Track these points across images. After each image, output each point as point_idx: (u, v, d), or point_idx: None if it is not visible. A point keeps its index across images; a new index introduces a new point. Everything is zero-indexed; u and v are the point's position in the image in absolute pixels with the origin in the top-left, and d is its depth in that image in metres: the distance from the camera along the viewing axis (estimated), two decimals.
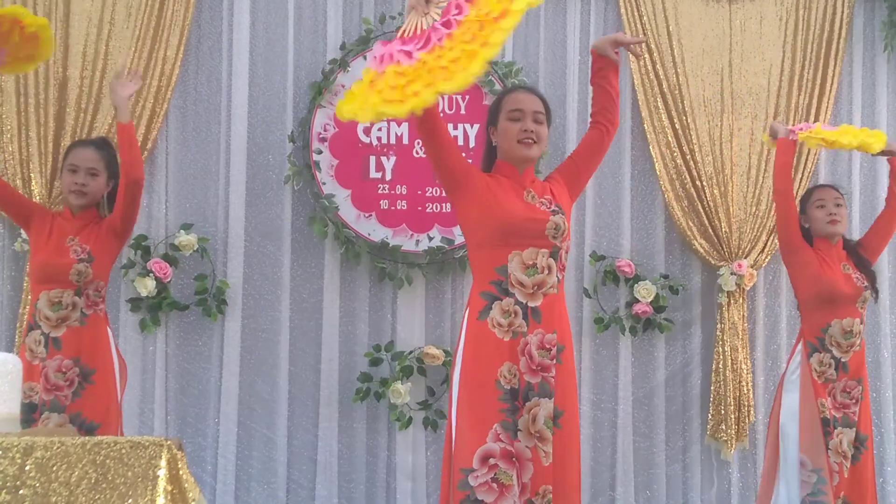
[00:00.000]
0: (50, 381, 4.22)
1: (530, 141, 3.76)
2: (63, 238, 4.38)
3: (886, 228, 5.04)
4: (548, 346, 3.63)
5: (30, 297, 4.64)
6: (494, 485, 3.50)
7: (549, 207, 3.74)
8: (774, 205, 5.09)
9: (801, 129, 4.93)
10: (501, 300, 3.64)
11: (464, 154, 4.10)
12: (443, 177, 3.90)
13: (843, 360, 4.81)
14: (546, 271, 3.67)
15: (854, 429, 4.76)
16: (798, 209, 4.98)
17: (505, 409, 3.55)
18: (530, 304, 3.64)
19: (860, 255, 4.91)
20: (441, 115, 3.97)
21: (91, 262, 4.36)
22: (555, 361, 3.64)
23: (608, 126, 4.02)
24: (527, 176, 3.82)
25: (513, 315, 3.62)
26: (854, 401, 4.80)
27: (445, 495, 3.65)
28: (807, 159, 5.96)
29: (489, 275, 3.68)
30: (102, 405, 4.29)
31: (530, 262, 3.64)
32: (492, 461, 3.51)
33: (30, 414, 4.08)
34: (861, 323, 4.84)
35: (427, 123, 3.69)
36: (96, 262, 4.37)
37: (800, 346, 4.87)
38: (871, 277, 4.88)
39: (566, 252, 3.80)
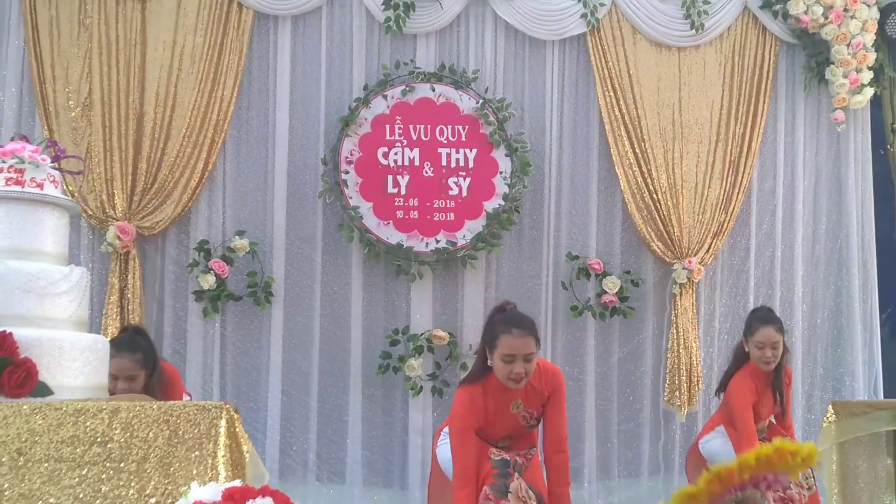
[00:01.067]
0: None
1: (518, 380, 3.47)
2: None
3: None
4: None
5: None
6: None
7: (528, 422, 3.67)
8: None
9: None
10: None
11: None
12: None
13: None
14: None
15: None
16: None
17: (496, 474, 3.50)
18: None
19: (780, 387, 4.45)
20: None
21: None
22: None
23: None
24: (517, 391, 3.59)
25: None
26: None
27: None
28: (738, 193, 5.98)
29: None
30: None
31: (503, 446, 3.66)
32: None
33: None
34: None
35: None
36: None
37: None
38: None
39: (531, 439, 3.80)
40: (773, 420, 4.53)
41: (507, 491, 3.41)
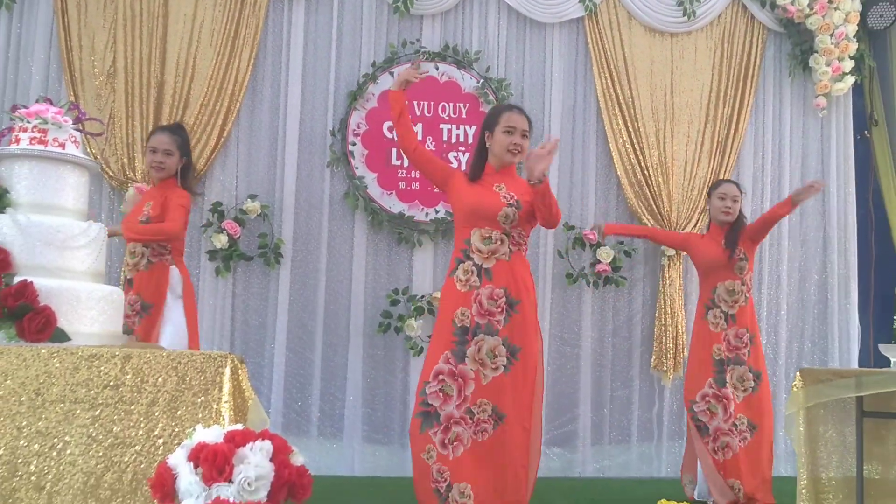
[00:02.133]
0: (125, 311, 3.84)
1: (516, 151, 3.82)
2: (143, 204, 4.32)
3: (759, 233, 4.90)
4: (495, 297, 3.70)
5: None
6: (441, 394, 3.63)
7: (509, 201, 3.77)
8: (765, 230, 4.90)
9: None
10: (464, 262, 3.75)
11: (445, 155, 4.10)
12: (431, 181, 4.16)
13: (730, 312, 4.78)
14: (498, 242, 3.74)
15: (745, 366, 4.71)
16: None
17: (455, 340, 3.67)
18: (484, 266, 3.73)
19: (734, 235, 4.80)
20: (418, 150, 3.98)
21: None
22: (504, 311, 3.70)
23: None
24: (505, 174, 3.89)
25: (470, 273, 3.72)
26: (744, 344, 4.76)
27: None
28: (725, 171, 5.97)
29: (460, 244, 3.81)
30: (149, 329, 4.16)
31: (486, 236, 3.74)
32: (440, 377, 3.64)
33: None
34: (742, 284, 4.78)
35: (411, 160, 4.02)
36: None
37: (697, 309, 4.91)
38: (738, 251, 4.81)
39: (521, 233, 3.82)
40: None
41: (465, 356, 3.64)
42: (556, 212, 3.72)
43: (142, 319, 4.13)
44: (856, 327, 6.20)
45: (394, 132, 5.54)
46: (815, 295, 6.18)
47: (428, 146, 5.61)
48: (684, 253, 5.80)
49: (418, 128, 5.63)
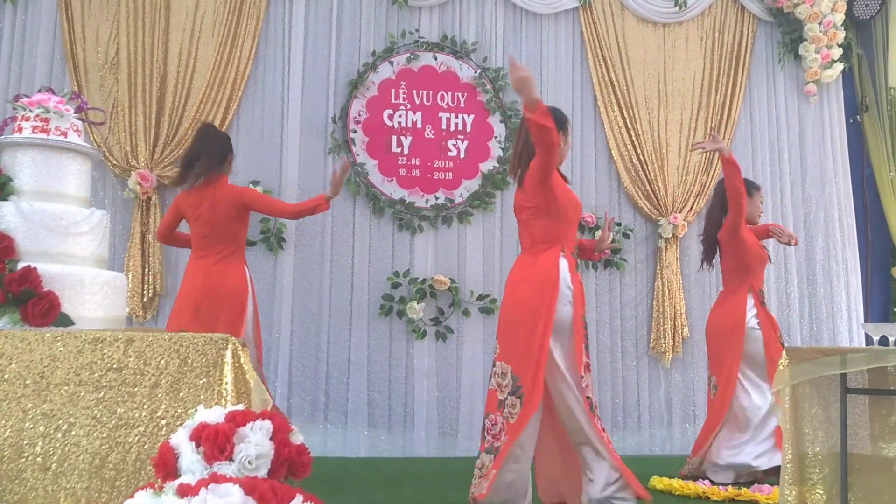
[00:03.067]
0: None
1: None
2: None
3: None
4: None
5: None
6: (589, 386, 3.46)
7: None
8: (735, 204, 4.46)
9: None
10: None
11: None
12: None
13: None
14: None
15: None
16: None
17: (586, 334, 3.53)
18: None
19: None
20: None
21: None
22: None
23: None
24: None
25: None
26: None
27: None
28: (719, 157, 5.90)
29: (573, 241, 3.66)
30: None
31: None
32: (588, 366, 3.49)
33: None
34: None
35: None
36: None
37: (751, 299, 4.56)
38: None
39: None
40: None
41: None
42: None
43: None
44: (860, 307, 6.19)
45: (394, 120, 5.55)
46: (821, 275, 6.14)
47: (427, 134, 5.59)
48: (681, 235, 5.79)
49: (418, 116, 5.60)
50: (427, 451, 5.37)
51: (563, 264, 3.47)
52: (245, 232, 4.25)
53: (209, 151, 4.12)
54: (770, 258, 4.78)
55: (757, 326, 4.49)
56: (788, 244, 4.75)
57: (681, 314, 5.79)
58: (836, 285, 6.15)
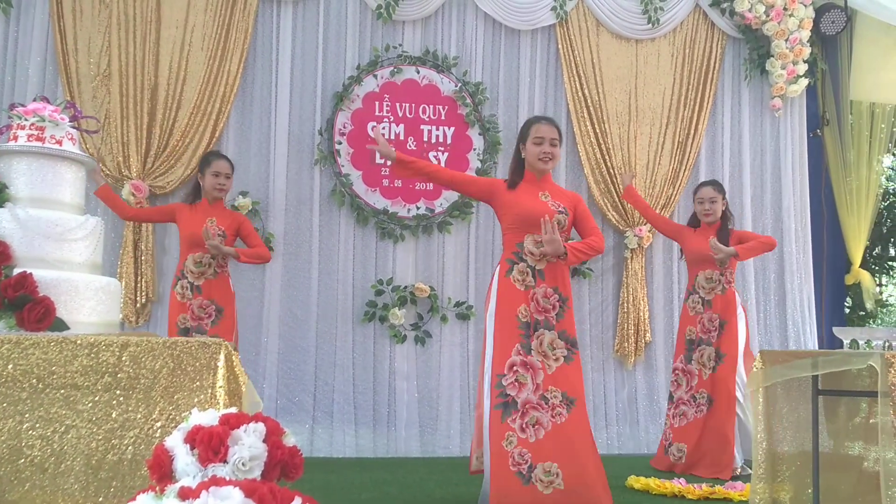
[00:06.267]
0: (195, 313, 4.51)
1: (547, 159, 3.81)
2: (206, 217, 4.56)
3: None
4: (548, 296, 3.71)
5: (179, 257, 4.69)
6: (517, 383, 3.59)
7: (558, 208, 3.78)
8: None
9: None
10: (518, 264, 3.71)
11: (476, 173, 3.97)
12: (476, 198, 4.10)
13: (707, 298, 4.92)
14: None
15: (712, 347, 4.85)
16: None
17: (522, 334, 3.64)
18: (537, 267, 3.71)
19: (724, 234, 4.94)
20: (459, 179, 4.06)
21: (224, 237, 4.57)
22: (557, 307, 3.71)
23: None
24: (544, 182, 3.87)
25: (526, 274, 3.70)
26: (714, 328, 4.89)
27: (481, 394, 3.72)
28: (685, 170, 5.97)
29: (511, 248, 3.76)
30: (228, 330, 4.55)
31: (538, 241, 3.69)
32: (515, 368, 3.60)
33: (185, 335, 4.29)
34: (721, 275, 4.90)
35: (452, 189, 4.04)
36: (227, 239, 4.60)
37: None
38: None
39: (566, 238, 3.80)
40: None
41: (531, 349, 3.64)
42: (596, 251, 3.81)
43: (219, 320, 4.54)
44: (813, 313, 6.23)
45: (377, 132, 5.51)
46: (775, 283, 6.20)
47: (409, 146, 5.56)
48: (646, 246, 5.83)
49: (401, 128, 5.58)
50: (408, 448, 5.36)
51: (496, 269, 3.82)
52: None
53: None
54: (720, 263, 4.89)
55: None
56: (722, 264, 4.91)
57: (643, 320, 5.81)
58: (791, 293, 6.19)
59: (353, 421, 5.36)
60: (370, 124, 5.47)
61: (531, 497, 3.46)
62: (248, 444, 2.10)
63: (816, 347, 6.08)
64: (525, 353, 3.62)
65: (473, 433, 3.89)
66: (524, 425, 3.54)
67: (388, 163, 3.82)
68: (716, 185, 5.09)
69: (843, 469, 3.26)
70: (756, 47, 6.18)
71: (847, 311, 6.75)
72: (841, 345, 3.64)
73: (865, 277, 6.45)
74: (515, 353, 3.61)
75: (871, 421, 3.14)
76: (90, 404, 2.47)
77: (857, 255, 6.43)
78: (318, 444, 5.23)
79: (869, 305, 6.49)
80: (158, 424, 2.47)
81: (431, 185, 5.53)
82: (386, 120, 5.56)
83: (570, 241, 3.74)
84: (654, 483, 4.19)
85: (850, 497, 3.22)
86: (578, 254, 3.70)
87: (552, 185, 3.93)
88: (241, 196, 5.31)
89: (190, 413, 2.21)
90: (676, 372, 4.97)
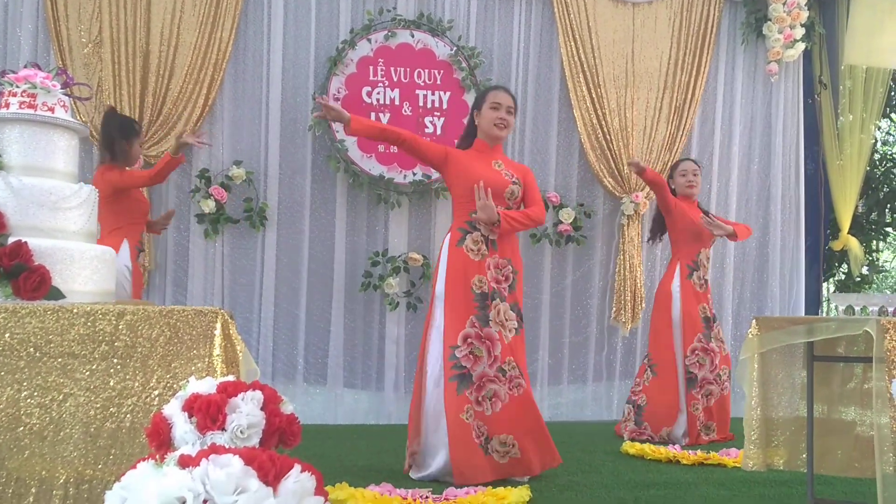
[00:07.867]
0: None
1: (502, 126, 3.82)
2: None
3: None
4: (500, 266, 3.71)
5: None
6: (471, 356, 3.57)
7: (511, 178, 3.78)
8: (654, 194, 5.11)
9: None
10: (472, 233, 3.69)
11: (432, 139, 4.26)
12: (430, 166, 3.98)
13: (706, 278, 4.98)
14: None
15: (719, 325, 5.00)
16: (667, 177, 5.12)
17: (477, 306, 3.62)
18: (490, 237, 3.70)
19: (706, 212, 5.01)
20: (415, 140, 3.82)
21: None
22: (509, 278, 3.71)
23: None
24: (496, 151, 3.87)
25: (480, 243, 3.69)
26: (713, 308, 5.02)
27: (421, 377, 3.69)
28: (682, 135, 5.95)
29: (464, 216, 3.73)
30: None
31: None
32: (469, 340, 3.59)
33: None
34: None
35: (405, 150, 3.85)
36: None
37: (678, 269, 4.91)
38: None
39: (518, 208, 3.81)
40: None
41: (489, 320, 3.61)
42: (535, 221, 3.80)
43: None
44: (802, 279, 6.25)
45: (372, 97, 5.48)
46: (756, 249, 6.21)
47: (405, 111, 5.53)
48: (643, 213, 5.82)
49: (395, 93, 5.53)
50: (395, 408, 5.43)
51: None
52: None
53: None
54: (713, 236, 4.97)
55: (679, 295, 4.85)
56: (721, 236, 4.97)
57: (639, 287, 5.83)
58: (772, 260, 6.21)
59: (344, 384, 5.45)
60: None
61: (490, 465, 3.51)
62: (246, 412, 2.11)
63: (804, 312, 6.11)
64: (481, 326, 3.59)
65: (408, 428, 3.74)
66: (480, 398, 3.55)
67: (344, 127, 3.67)
68: (695, 160, 5.21)
69: (837, 434, 3.29)
70: (753, 10, 6.13)
71: (843, 276, 6.77)
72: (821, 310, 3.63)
73: (853, 244, 6.37)
74: (470, 325, 3.59)
75: (865, 386, 3.16)
76: (87, 373, 2.46)
77: (845, 221, 6.35)
78: (311, 408, 5.28)
79: (856, 271, 6.45)
80: (156, 393, 2.47)
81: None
82: (381, 84, 5.52)
83: (508, 210, 3.72)
84: (648, 449, 4.23)
85: (843, 462, 3.25)
86: (513, 222, 3.68)
87: (503, 155, 3.94)
88: (235, 166, 5.29)
89: (187, 381, 2.21)
90: (696, 352, 4.79)
